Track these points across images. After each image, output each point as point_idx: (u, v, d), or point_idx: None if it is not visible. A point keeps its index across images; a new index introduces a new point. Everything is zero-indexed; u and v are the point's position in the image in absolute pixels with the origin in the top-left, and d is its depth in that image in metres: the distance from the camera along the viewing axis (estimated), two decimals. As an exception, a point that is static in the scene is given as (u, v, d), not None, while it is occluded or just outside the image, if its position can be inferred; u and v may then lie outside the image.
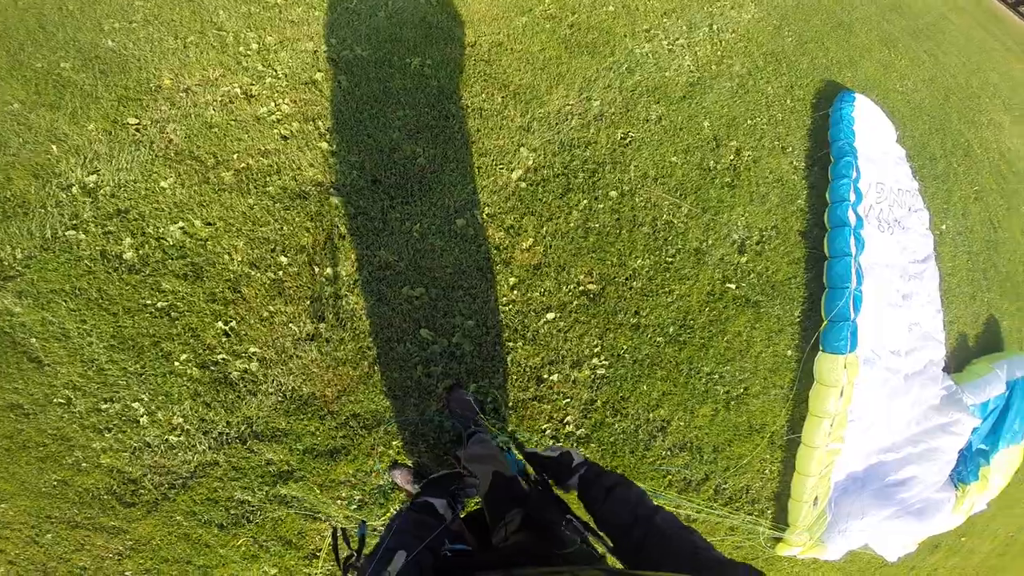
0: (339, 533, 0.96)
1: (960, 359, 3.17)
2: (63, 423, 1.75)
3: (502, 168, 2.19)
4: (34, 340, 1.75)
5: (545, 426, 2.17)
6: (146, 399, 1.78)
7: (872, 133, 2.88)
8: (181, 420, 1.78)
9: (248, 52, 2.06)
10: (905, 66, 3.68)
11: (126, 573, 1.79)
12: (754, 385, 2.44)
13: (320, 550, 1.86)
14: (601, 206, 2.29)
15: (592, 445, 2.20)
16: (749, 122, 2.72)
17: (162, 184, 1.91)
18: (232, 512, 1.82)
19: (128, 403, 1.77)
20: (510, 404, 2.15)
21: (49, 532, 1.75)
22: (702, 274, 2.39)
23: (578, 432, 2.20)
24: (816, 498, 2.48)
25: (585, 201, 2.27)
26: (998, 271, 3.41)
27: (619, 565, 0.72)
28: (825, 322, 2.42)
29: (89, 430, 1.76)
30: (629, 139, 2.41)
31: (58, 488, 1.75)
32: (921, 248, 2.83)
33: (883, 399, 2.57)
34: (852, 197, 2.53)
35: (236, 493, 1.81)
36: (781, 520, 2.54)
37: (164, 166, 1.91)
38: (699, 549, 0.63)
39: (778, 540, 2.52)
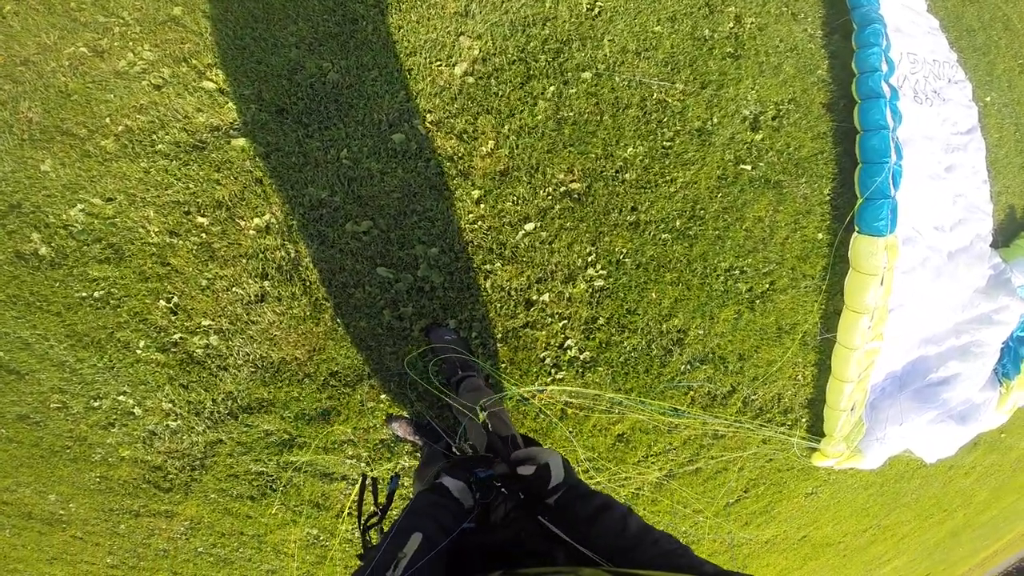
0: (368, 483, 0.96)
1: (1008, 233, 2.86)
2: (72, 425, 1.78)
3: (440, 65, 1.81)
4: (1, 353, 1.74)
5: (544, 354, 1.90)
6: (128, 391, 1.75)
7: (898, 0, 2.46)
8: (169, 405, 1.77)
9: (82, 6, 1.73)
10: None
11: (198, 549, 1.93)
12: (781, 278, 2.11)
13: (345, 508, 1.88)
14: (573, 91, 1.89)
15: (600, 368, 1.93)
16: (746, -20, 2.25)
17: (43, 168, 1.70)
18: (255, 484, 1.85)
19: (115, 397, 1.76)
20: (499, 336, 1.86)
21: (121, 523, 1.88)
22: (709, 157, 2.02)
23: (582, 356, 1.92)
24: (853, 405, 2.26)
25: (552, 88, 1.88)
26: (1051, 143, 3.02)
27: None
28: (861, 200, 2.07)
29: (96, 427, 1.78)
30: (598, 9, 1.97)
31: (103, 483, 1.83)
32: (964, 120, 2.56)
33: (926, 281, 2.28)
34: (884, 67, 2.20)
35: (251, 466, 1.83)
36: (816, 428, 2.31)
37: (36, 149, 1.70)
38: (694, 565, 0.64)
39: (814, 450, 2.30)
